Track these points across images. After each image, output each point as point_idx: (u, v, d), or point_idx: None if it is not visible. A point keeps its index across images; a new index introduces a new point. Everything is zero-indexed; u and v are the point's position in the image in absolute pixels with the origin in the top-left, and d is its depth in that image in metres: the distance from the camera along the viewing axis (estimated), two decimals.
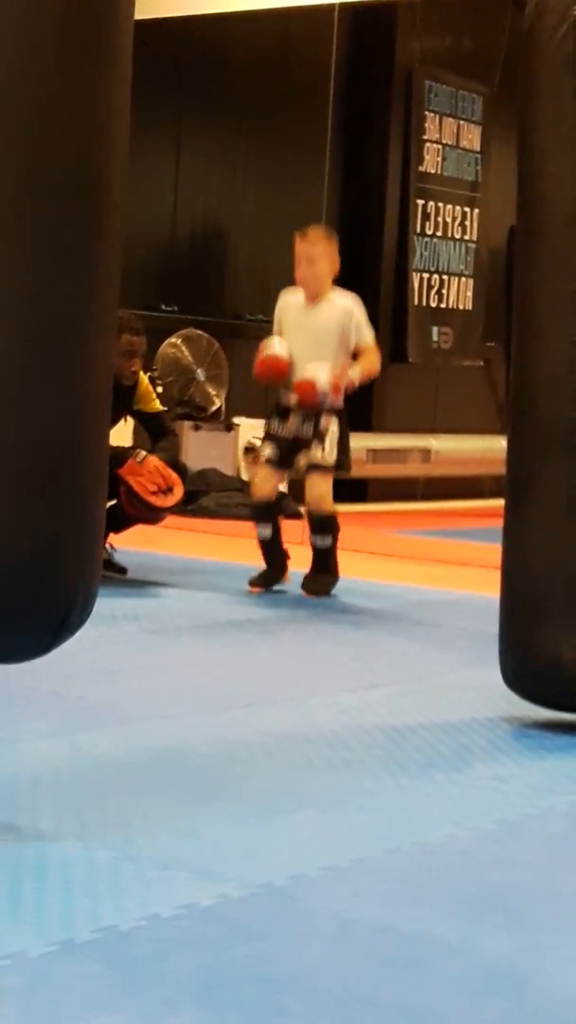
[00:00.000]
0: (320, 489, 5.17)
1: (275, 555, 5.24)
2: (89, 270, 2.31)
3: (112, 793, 2.71)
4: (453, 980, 1.98)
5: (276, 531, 5.23)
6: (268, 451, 5.23)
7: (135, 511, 5.20)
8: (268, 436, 5.26)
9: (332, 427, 5.12)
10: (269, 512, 5.24)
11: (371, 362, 5.20)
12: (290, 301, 5.33)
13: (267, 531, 5.22)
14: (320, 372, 5.00)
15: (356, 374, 5.13)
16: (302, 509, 5.46)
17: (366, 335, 5.21)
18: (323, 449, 5.12)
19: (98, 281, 2.33)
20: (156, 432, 5.47)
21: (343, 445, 5.17)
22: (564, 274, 3.24)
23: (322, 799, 2.78)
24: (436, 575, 6.01)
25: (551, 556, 3.26)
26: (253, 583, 5.23)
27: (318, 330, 5.19)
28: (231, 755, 3.05)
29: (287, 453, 5.18)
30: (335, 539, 5.22)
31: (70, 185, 2.26)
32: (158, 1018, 1.81)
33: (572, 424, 3.23)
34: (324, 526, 5.20)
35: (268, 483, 5.23)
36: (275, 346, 5.16)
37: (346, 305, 5.23)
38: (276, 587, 5.24)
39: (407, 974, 1.99)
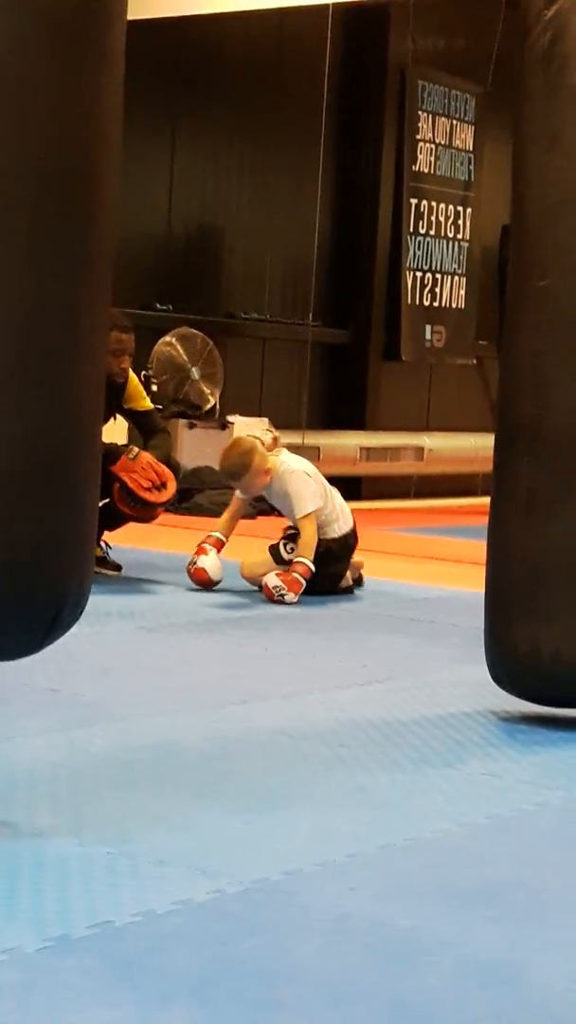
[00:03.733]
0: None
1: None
2: (81, 267, 2.31)
3: (108, 789, 2.72)
4: (446, 974, 2.00)
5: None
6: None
7: (129, 508, 5.21)
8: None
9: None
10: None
11: (307, 535, 5.14)
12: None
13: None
14: (269, 577, 5.07)
15: (306, 560, 5.09)
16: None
17: (297, 509, 5.17)
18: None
19: (91, 278, 2.33)
20: (148, 430, 5.47)
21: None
22: (533, 272, 3.29)
23: (317, 795, 2.79)
24: (429, 572, 6.03)
25: (513, 550, 3.33)
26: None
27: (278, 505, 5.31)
28: (226, 751, 3.06)
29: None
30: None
31: (62, 183, 2.26)
32: (154, 1013, 1.82)
33: (532, 420, 3.29)
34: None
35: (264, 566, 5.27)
36: (206, 561, 5.18)
37: (281, 485, 5.21)
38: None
39: (401, 968, 2.01)
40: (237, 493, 5.38)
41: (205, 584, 5.19)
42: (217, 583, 5.19)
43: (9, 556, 2.29)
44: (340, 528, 5.29)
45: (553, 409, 3.27)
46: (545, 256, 3.27)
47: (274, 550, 5.28)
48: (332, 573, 5.26)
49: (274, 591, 5.03)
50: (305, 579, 5.08)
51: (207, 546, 5.24)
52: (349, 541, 5.31)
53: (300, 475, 5.22)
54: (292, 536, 5.29)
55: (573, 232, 3.24)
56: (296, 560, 5.13)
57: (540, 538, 3.28)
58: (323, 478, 5.37)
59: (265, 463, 5.16)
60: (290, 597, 5.04)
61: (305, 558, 5.11)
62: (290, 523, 5.35)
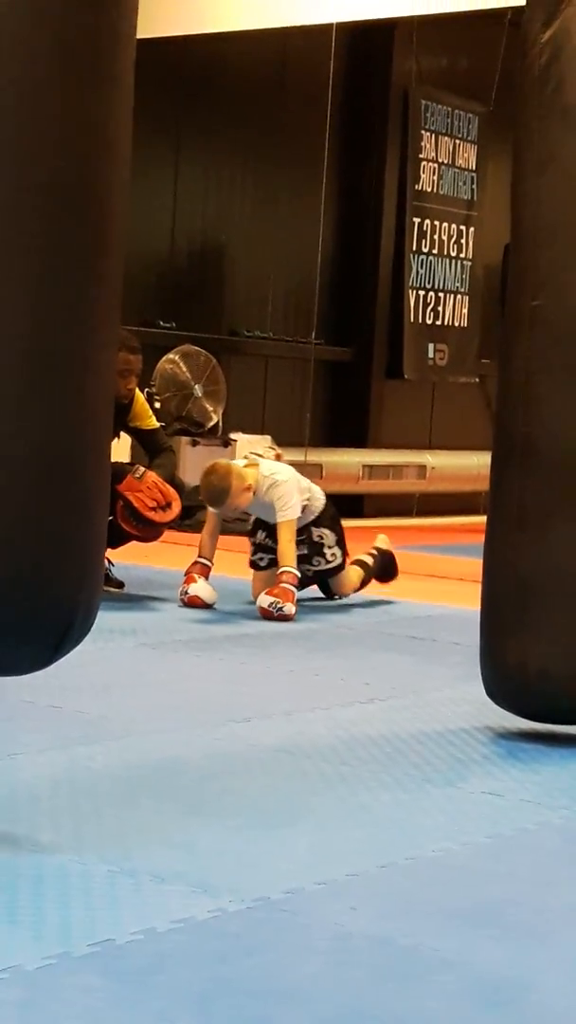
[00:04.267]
0: (335, 583, 5.54)
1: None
2: (91, 284, 2.33)
3: (109, 807, 2.72)
4: (448, 993, 1.99)
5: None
6: (257, 559, 5.47)
7: (133, 527, 5.21)
8: (260, 547, 5.46)
9: (325, 535, 5.41)
10: None
11: (285, 541, 5.21)
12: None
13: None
14: (262, 597, 5.12)
15: (291, 567, 5.15)
16: None
17: (280, 514, 5.26)
18: (324, 558, 5.43)
19: (100, 295, 2.35)
20: (153, 448, 5.49)
21: (341, 539, 5.47)
22: (527, 292, 3.35)
23: (318, 813, 2.79)
24: (431, 590, 6.03)
25: (504, 565, 3.38)
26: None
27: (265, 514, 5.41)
28: (228, 769, 3.06)
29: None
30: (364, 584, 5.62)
31: (72, 200, 2.28)
32: None
33: (524, 438, 3.35)
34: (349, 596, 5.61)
35: (257, 586, 5.39)
36: (197, 588, 5.21)
37: (269, 497, 5.29)
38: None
39: (402, 987, 2.00)
40: (210, 509, 5.39)
41: (201, 608, 5.21)
42: (212, 605, 5.20)
43: (19, 571, 2.30)
44: (321, 497, 5.45)
45: (542, 427, 3.32)
46: (537, 277, 3.33)
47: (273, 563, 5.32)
48: (341, 531, 5.48)
49: (271, 608, 5.04)
50: (294, 586, 5.11)
51: (194, 575, 5.25)
52: (329, 503, 5.54)
53: (285, 485, 5.27)
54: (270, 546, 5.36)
55: (564, 254, 3.30)
56: (280, 571, 5.14)
57: (529, 554, 3.33)
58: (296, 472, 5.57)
59: (243, 482, 5.20)
60: (288, 608, 5.05)
61: (288, 566, 5.15)
62: (254, 539, 5.45)
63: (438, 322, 10.54)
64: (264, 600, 5.08)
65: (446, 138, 10.48)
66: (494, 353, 10.82)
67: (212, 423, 8.74)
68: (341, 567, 5.47)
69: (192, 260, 9.25)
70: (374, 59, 9.96)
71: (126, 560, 5.56)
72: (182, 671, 4.14)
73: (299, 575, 5.18)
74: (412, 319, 10.30)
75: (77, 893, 2.25)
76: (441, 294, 10.56)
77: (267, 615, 5.04)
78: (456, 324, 10.70)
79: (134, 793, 2.83)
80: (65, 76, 2.25)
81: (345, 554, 5.48)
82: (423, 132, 10.28)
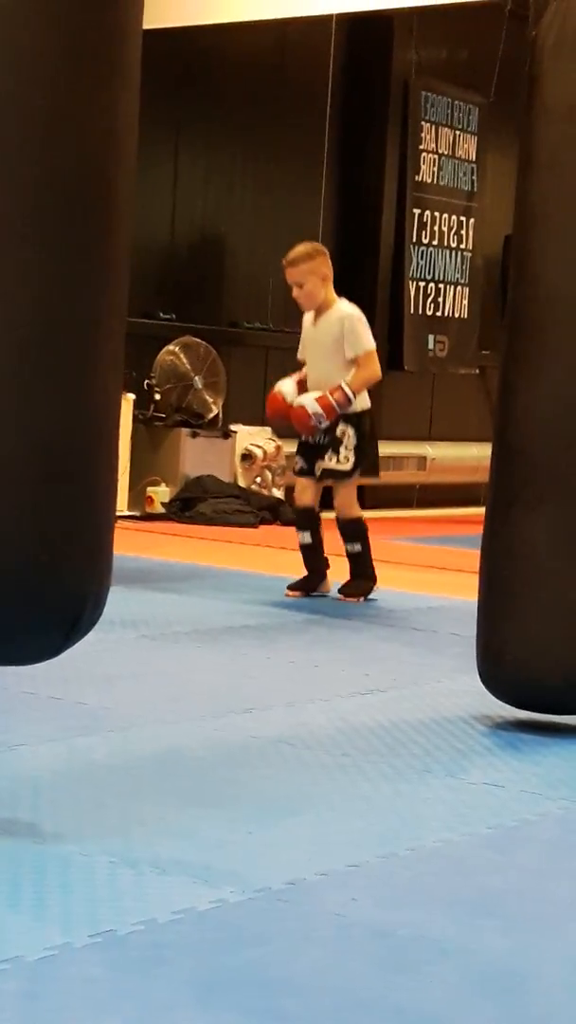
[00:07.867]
0: (340, 496, 5.38)
1: (315, 562, 5.40)
2: (99, 275, 2.34)
3: (110, 797, 2.72)
4: (449, 983, 2.00)
5: (316, 538, 5.37)
6: (299, 464, 5.44)
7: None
8: (299, 448, 5.45)
9: (348, 434, 5.27)
10: (309, 520, 5.40)
11: (364, 372, 5.23)
12: (306, 319, 5.49)
13: (307, 538, 5.38)
14: (307, 398, 5.12)
15: (348, 386, 5.17)
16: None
17: (359, 343, 5.26)
18: (337, 457, 5.29)
19: (108, 286, 2.36)
20: None
21: (362, 450, 5.31)
22: (511, 282, 3.44)
23: (319, 804, 2.79)
24: (432, 582, 6.03)
25: (481, 553, 3.46)
26: (292, 587, 5.37)
27: (323, 343, 5.34)
28: (229, 760, 3.07)
29: (314, 461, 5.36)
30: (364, 543, 5.37)
31: (79, 191, 2.29)
32: (155, 1022, 1.82)
33: (499, 427, 3.43)
34: (351, 531, 5.37)
35: (307, 492, 5.38)
36: (282, 384, 5.28)
37: (341, 315, 5.30)
38: (315, 594, 5.37)
39: (404, 978, 2.00)
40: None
41: (279, 412, 5.22)
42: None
43: (29, 560, 2.31)
44: (367, 400, 5.33)
45: (510, 417, 3.39)
46: (519, 267, 3.41)
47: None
48: (366, 444, 5.32)
49: (312, 418, 5.04)
50: (340, 407, 5.10)
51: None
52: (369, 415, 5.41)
53: (361, 319, 5.26)
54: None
55: (540, 245, 3.36)
56: (336, 386, 5.12)
57: (494, 543, 3.40)
58: None
59: (327, 269, 5.28)
60: (324, 424, 5.09)
61: (349, 387, 5.13)
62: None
63: (438, 313, 10.53)
64: (311, 405, 5.05)
65: (446, 129, 10.46)
66: (494, 344, 10.83)
67: (212, 415, 8.73)
68: (349, 475, 5.30)
69: (192, 251, 9.24)
70: (374, 50, 9.93)
71: (127, 552, 5.56)
72: (183, 662, 4.15)
73: (352, 397, 5.12)
74: (412, 310, 10.29)
75: (78, 884, 2.25)
76: (441, 285, 10.54)
77: (304, 420, 5.05)
78: (456, 315, 10.69)
79: (135, 784, 2.83)
80: (73, 71, 2.26)
81: (359, 464, 5.29)
82: (423, 123, 10.26)
